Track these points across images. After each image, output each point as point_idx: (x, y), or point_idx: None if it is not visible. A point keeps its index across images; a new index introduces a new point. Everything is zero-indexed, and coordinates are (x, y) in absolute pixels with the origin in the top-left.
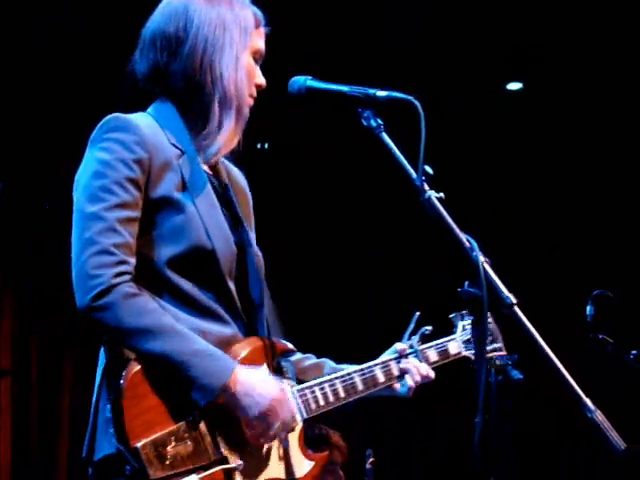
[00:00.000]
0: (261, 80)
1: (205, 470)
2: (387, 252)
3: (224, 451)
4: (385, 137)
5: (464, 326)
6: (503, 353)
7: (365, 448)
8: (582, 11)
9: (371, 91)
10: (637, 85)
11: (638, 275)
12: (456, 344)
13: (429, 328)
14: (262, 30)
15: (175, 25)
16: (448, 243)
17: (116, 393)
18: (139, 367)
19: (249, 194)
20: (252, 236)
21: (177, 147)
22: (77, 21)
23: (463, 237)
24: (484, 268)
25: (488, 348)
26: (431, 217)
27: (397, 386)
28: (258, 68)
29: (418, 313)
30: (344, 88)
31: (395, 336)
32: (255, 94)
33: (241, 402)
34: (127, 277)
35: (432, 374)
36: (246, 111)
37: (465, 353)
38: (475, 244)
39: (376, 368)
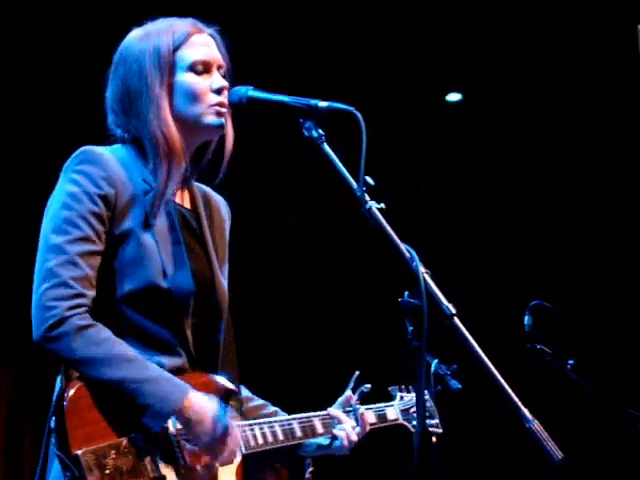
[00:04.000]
0: (215, 85)
1: None
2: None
3: (162, 469)
4: (326, 148)
5: (402, 397)
6: (439, 430)
7: (304, 458)
8: (522, 20)
9: (312, 102)
10: (579, 95)
11: (575, 285)
12: (394, 411)
13: (368, 386)
14: (198, 39)
15: (114, 84)
16: (388, 253)
17: (59, 406)
18: (81, 384)
19: (227, 224)
20: (220, 271)
21: (147, 183)
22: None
23: (403, 247)
24: (424, 279)
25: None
26: (371, 227)
27: (333, 443)
28: (212, 74)
29: (357, 372)
30: (285, 98)
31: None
32: (216, 101)
33: (193, 429)
34: (81, 310)
35: (354, 438)
36: (178, 151)
37: (402, 421)
38: (415, 254)
39: (315, 419)
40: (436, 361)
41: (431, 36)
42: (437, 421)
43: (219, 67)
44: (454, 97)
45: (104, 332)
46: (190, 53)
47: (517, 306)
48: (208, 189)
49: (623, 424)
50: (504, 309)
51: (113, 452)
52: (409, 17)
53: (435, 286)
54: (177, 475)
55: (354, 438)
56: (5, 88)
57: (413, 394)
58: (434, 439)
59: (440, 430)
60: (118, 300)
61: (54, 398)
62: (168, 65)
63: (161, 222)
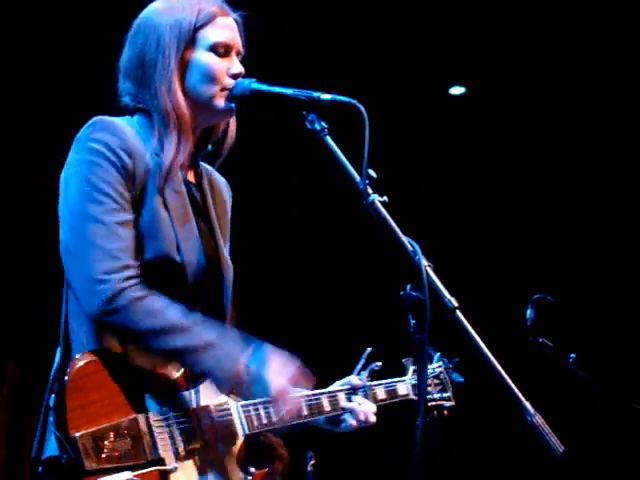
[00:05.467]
0: (234, 70)
1: (141, 469)
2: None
3: (162, 452)
4: (329, 140)
5: (414, 370)
6: (452, 403)
7: (306, 450)
8: (525, 15)
9: (315, 94)
10: (583, 88)
11: (577, 279)
12: (405, 386)
13: (379, 364)
14: (222, 21)
15: (130, 51)
16: (391, 246)
17: (60, 385)
18: (84, 362)
19: (229, 205)
20: (225, 247)
21: (158, 156)
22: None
23: (406, 241)
24: (427, 272)
25: (435, 396)
26: (374, 220)
27: (338, 423)
28: (232, 58)
29: (370, 349)
30: (288, 91)
31: (345, 368)
32: (230, 84)
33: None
34: (133, 281)
35: (372, 419)
36: (187, 126)
37: (413, 396)
38: (418, 248)
39: (323, 396)
40: (438, 354)
41: (433, 32)
42: (450, 394)
43: (238, 53)
44: (457, 91)
45: (158, 301)
46: (213, 33)
47: (519, 299)
48: (211, 168)
49: (625, 418)
50: (506, 302)
51: (112, 434)
52: (412, 11)
53: (437, 279)
54: (176, 458)
55: (372, 419)
56: (4, 87)
57: (430, 366)
58: (446, 412)
59: (452, 403)
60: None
61: (52, 373)
62: (187, 41)
63: (173, 196)
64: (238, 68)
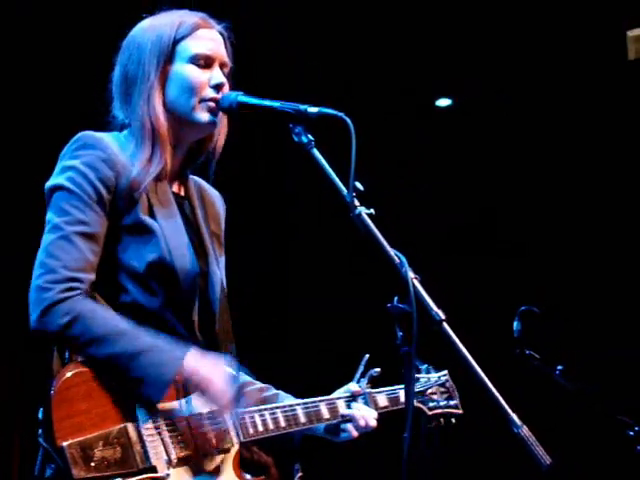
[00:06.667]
0: (214, 80)
1: (132, 477)
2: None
3: (153, 460)
4: (316, 153)
5: (418, 378)
6: (459, 411)
7: (293, 463)
8: (512, 27)
9: (302, 107)
10: (569, 99)
11: (564, 291)
12: None
13: (378, 370)
14: (203, 33)
15: (117, 70)
16: (378, 259)
17: (47, 397)
18: (72, 373)
19: (222, 217)
20: (218, 261)
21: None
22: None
23: (393, 253)
24: (413, 284)
25: (441, 403)
26: (361, 233)
27: (337, 432)
28: (214, 69)
29: (367, 356)
30: (275, 104)
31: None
32: (210, 95)
33: (200, 387)
34: (74, 292)
35: (373, 424)
36: (163, 138)
37: (416, 404)
38: (405, 260)
39: (321, 404)
40: (426, 366)
41: (422, 41)
42: (457, 402)
43: (222, 65)
44: (444, 102)
45: (96, 311)
46: (193, 45)
47: (507, 312)
48: (203, 182)
49: (612, 430)
50: (494, 315)
51: (100, 443)
52: (399, 23)
53: (424, 291)
54: (169, 466)
55: (373, 423)
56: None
57: (431, 375)
58: (453, 420)
59: (460, 411)
60: (125, 284)
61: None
62: (167, 54)
63: (163, 208)
64: (219, 79)
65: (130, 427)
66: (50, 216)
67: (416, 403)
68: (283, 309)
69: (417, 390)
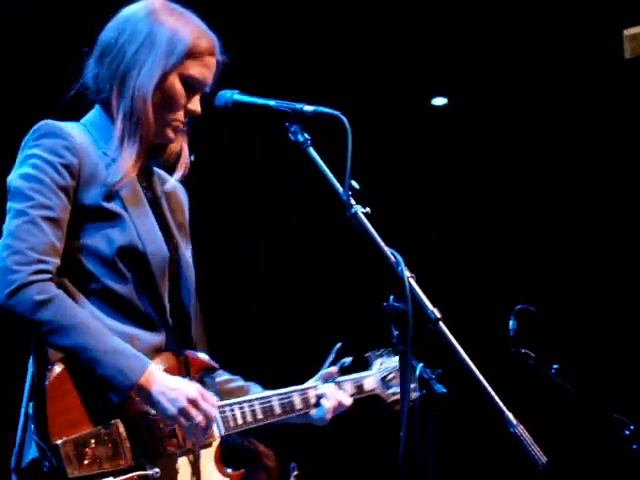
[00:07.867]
0: (193, 107)
1: (122, 474)
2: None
3: (141, 457)
4: (312, 152)
5: (381, 363)
6: (417, 393)
7: (289, 462)
8: (508, 26)
9: (298, 105)
10: (565, 99)
11: (560, 290)
12: (372, 380)
13: (348, 360)
14: (209, 60)
15: (113, 34)
16: (374, 258)
17: (39, 392)
18: (63, 367)
19: (186, 207)
20: (185, 247)
21: (107, 155)
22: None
23: (389, 252)
24: (409, 283)
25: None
26: (357, 232)
27: (313, 412)
28: (196, 96)
29: (339, 344)
30: (271, 102)
31: (316, 364)
32: (181, 119)
33: (156, 404)
34: (45, 276)
35: (348, 401)
36: (151, 133)
37: (378, 391)
38: (400, 259)
39: (294, 394)
40: (421, 365)
41: (417, 41)
42: (415, 385)
43: (203, 92)
44: (439, 101)
45: (67, 301)
46: (196, 69)
47: (503, 310)
48: (164, 173)
49: (607, 429)
50: (490, 313)
51: (93, 440)
52: (395, 23)
53: (420, 290)
54: (157, 462)
55: (335, 402)
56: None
57: (394, 359)
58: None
59: (417, 393)
60: (93, 270)
61: (28, 382)
62: (174, 64)
63: (128, 194)
64: (195, 107)
65: (120, 423)
66: (11, 204)
67: (378, 391)
68: (246, 302)
69: (380, 377)
